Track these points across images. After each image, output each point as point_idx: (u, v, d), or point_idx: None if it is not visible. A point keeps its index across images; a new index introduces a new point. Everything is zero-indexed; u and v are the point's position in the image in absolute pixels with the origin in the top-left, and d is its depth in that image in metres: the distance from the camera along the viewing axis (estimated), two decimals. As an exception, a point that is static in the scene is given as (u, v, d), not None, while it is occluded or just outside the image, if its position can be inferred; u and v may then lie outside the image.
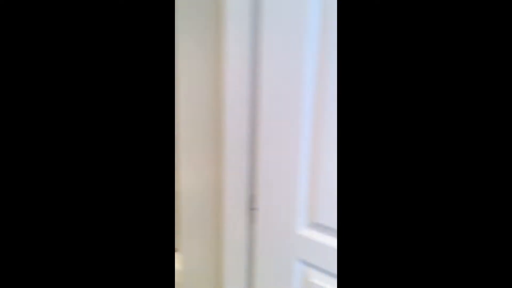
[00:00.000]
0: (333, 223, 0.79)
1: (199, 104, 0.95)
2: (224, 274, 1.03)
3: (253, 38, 0.79)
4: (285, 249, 0.88)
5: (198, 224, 1.08)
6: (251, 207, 0.91)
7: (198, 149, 1.00)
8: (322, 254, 0.83)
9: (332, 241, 0.81)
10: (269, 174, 0.84)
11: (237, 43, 0.81)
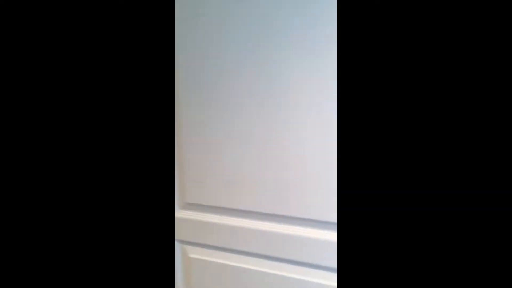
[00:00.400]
0: (201, 200, 0.88)
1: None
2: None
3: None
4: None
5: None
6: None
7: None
8: (195, 230, 0.89)
9: (202, 217, 0.89)
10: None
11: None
